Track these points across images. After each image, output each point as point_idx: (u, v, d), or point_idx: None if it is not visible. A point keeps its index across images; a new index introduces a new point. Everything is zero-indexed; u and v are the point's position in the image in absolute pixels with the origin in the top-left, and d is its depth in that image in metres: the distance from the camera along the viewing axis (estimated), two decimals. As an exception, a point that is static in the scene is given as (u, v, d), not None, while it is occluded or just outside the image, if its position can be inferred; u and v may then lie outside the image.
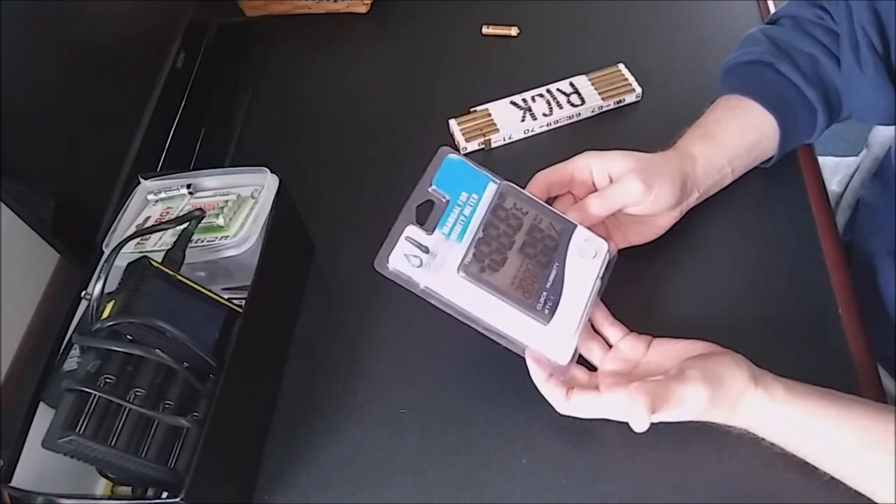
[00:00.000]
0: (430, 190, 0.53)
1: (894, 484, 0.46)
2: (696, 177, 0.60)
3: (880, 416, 0.48)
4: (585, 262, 0.54)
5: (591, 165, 0.58)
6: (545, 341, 0.51)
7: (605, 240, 0.55)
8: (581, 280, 0.53)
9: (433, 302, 0.51)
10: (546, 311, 0.51)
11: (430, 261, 0.51)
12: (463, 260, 0.51)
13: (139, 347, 0.48)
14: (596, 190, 0.59)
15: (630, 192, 0.56)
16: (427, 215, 0.53)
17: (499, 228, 0.53)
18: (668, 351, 0.53)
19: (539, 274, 0.52)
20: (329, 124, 0.82)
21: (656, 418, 0.48)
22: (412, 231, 0.52)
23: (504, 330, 0.51)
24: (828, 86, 0.63)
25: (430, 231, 0.52)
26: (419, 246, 0.51)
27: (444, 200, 0.53)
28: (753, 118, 0.62)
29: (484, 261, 0.51)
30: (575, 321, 0.52)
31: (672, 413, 0.48)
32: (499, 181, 0.55)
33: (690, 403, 0.48)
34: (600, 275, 0.54)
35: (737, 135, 0.62)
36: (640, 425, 0.48)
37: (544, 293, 0.52)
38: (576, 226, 0.55)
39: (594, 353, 0.55)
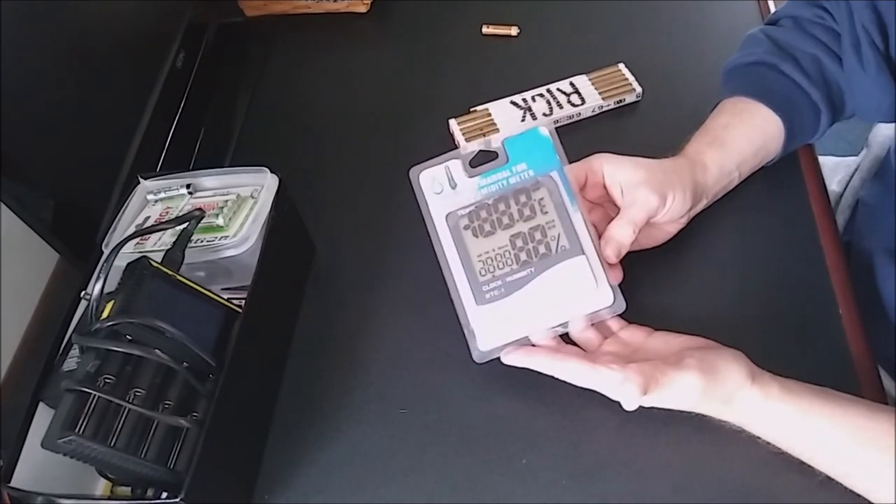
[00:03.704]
0: (497, 144, 0.56)
1: (891, 482, 0.46)
2: (706, 184, 0.60)
3: (875, 416, 0.48)
4: (565, 288, 0.53)
5: (604, 170, 0.57)
6: (476, 320, 0.53)
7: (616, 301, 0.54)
8: (548, 298, 0.53)
9: (426, 223, 0.55)
10: (486, 296, 0.53)
11: (449, 195, 0.55)
12: (457, 210, 0.54)
13: (139, 347, 0.48)
14: (606, 191, 0.59)
15: (648, 206, 0.55)
16: (488, 160, 0.56)
17: (508, 207, 0.54)
18: (669, 342, 0.53)
19: (509, 265, 0.53)
20: (329, 124, 0.82)
21: (647, 401, 0.48)
22: (455, 165, 0.55)
23: (453, 285, 0.54)
24: (831, 86, 0.63)
25: (472, 175, 0.55)
26: (450, 180, 0.54)
27: (503, 159, 0.55)
28: (760, 121, 0.62)
29: (474, 222, 0.54)
30: (518, 323, 0.53)
31: (663, 398, 0.49)
32: (562, 171, 0.55)
33: (683, 391, 0.48)
34: (576, 308, 0.53)
35: (745, 139, 0.62)
36: (629, 404, 0.48)
37: (499, 282, 0.53)
38: (581, 255, 0.53)
39: (591, 342, 0.55)
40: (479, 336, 0.53)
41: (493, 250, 0.54)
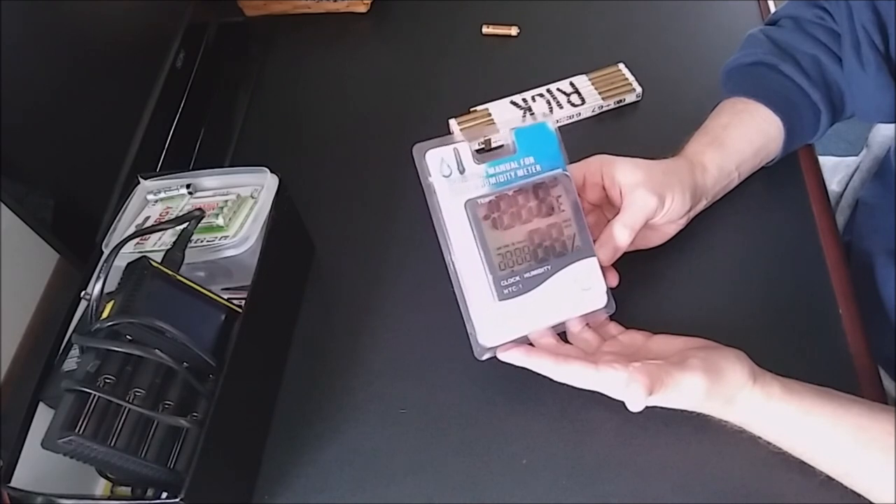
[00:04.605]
0: (507, 132, 0.54)
1: (891, 482, 0.46)
2: (705, 185, 0.60)
3: (877, 416, 0.48)
4: (575, 288, 0.53)
5: (603, 171, 0.57)
6: (485, 315, 0.52)
7: (609, 297, 0.54)
8: (557, 297, 0.53)
9: (430, 206, 0.52)
10: (505, 292, 0.52)
11: (457, 180, 0.52)
12: (478, 198, 0.52)
13: (139, 347, 0.48)
14: (605, 192, 0.59)
15: (647, 208, 0.55)
16: (491, 151, 0.54)
17: (528, 202, 0.53)
18: (669, 343, 0.53)
19: (528, 262, 0.53)
20: (329, 124, 0.82)
21: (651, 401, 0.48)
22: (464, 148, 0.53)
23: (463, 276, 0.52)
24: (831, 86, 0.63)
25: (480, 162, 0.53)
26: (458, 162, 0.52)
27: (511, 150, 0.54)
28: (760, 121, 0.62)
29: (494, 213, 0.52)
30: (524, 320, 0.53)
31: (667, 398, 0.49)
32: (566, 171, 0.55)
33: (687, 391, 0.48)
34: (576, 308, 0.54)
35: (745, 140, 0.62)
36: (635, 405, 0.48)
37: (517, 278, 0.52)
38: (593, 256, 0.54)
39: (590, 344, 0.55)
40: (485, 332, 0.52)
41: (513, 244, 0.52)
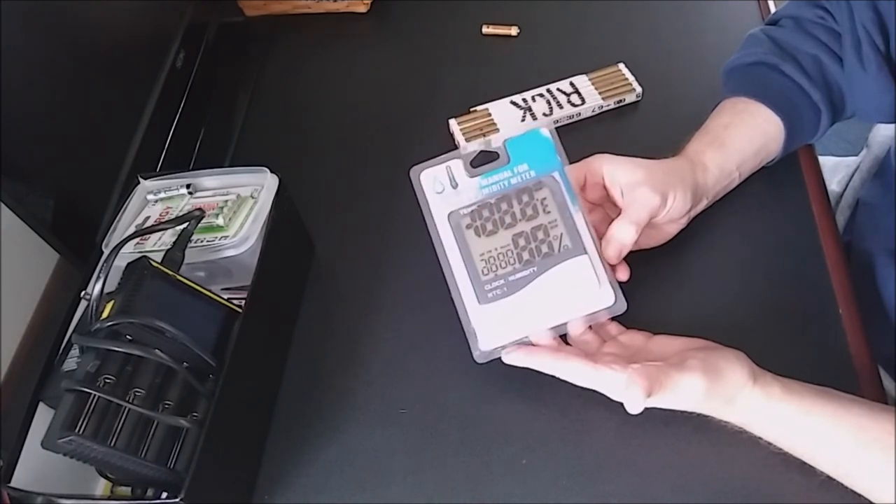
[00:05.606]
0: (497, 146, 0.56)
1: (892, 482, 0.46)
2: (706, 185, 0.60)
3: (877, 416, 0.48)
4: (567, 287, 0.53)
5: (604, 171, 0.57)
6: (477, 320, 0.53)
7: (618, 300, 0.53)
8: (550, 298, 0.53)
9: (428, 224, 0.55)
10: (489, 295, 0.53)
11: (451, 195, 0.55)
12: (459, 209, 0.54)
13: (139, 347, 0.48)
14: (607, 192, 0.59)
15: (650, 206, 0.55)
16: (489, 160, 0.56)
17: (511, 207, 0.54)
18: (669, 343, 0.53)
19: (512, 265, 0.53)
20: (329, 124, 0.82)
21: (650, 403, 0.48)
22: (456, 165, 0.55)
23: (457, 285, 0.54)
24: (832, 86, 0.63)
25: (472, 175, 0.55)
26: (451, 178, 0.55)
27: (505, 159, 0.55)
28: (760, 121, 0.62)
29: (476, 221, 0.54)
30: (519, 323, 0.53)
31: (667, 399, 0.49)
32: (562, 172, 0.55)
33: (686, 392, 0.48)
34: (577, 308, 0.53)
35: (746, 140, 0.62)
36: (634, 408, 0.48)
37: (501, 281, 0.53)
38: (584, 254, 0.53)
39: (590, 345, 0.55)
40: (481, 336, 0.53)
41: (496, 249, 0.54)
